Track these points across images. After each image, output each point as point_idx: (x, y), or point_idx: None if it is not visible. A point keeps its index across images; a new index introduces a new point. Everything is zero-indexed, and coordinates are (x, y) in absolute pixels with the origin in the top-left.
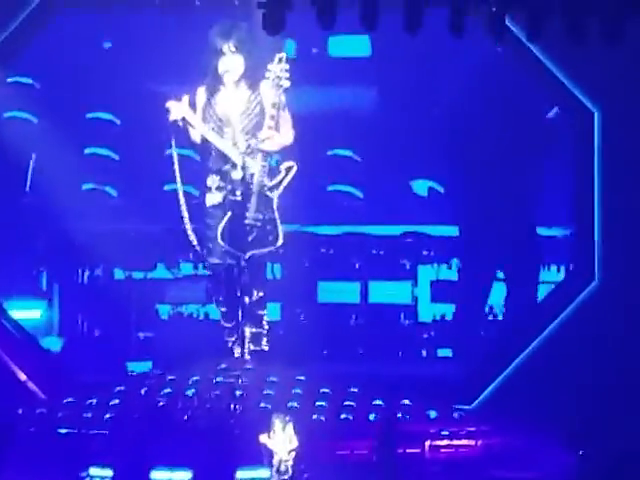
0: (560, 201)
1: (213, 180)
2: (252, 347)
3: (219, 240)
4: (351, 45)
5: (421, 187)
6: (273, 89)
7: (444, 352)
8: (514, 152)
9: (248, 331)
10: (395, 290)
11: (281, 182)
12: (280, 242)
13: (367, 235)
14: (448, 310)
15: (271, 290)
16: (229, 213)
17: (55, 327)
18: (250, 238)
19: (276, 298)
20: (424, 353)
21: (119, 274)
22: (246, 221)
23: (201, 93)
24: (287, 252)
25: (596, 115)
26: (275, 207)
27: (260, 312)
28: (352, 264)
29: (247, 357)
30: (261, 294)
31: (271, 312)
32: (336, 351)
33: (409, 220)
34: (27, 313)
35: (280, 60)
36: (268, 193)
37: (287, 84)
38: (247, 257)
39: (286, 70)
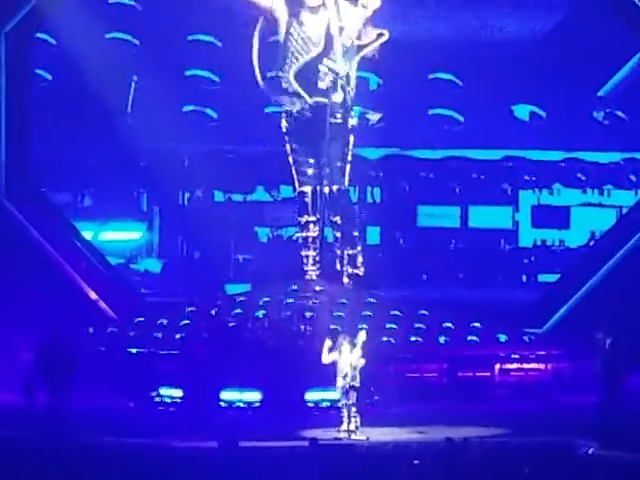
0: (634, 124)
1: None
2: (349, 270)
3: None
4: None
5: (522, 111)
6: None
7: (545, 277)
8: (592, 73)
9: (345, 254)
10: (495, 215)
11: (368, 45)
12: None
13: (467, 159)
14: (549, 235)
15: (370, 214)
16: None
17: (155, 249)
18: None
19: (375, 222)
20: (524, 278)
21: (219, 196)
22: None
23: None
24: (387, 176)
25: None
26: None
27: (355, 234)
28: (452, 188)
29: (345, 280)
30: (355, 215)
31: (370, 236)
32: (435, 276)
33: (510, 144)
34: (126, 234)
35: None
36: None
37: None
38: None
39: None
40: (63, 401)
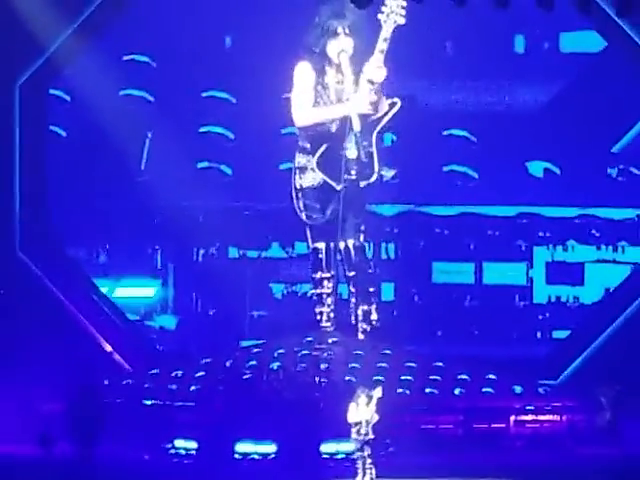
0: None
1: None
2: (364, 326)
3: (316, 169)
4: None
5: (536, 168)
6: (386, 23)
7: (559, 334)
8: (607, 129)
9: (360, 309)
10: (510, 271)
11: (383, 117)
12: (375, 177)
13: (482, 215)
14: (564, 292)
15: (385, 270)
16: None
17: (169, 305)
18: (347, 170)
19: (390, 278)
20: (539, 335)
21: (233, 252)
22: (343, 153)
23: (308, 68)
24: (401, 232)
25: None
26: (374, 142)
27: (370, 290)
28: (467, 244)
29: (360, 336)
30: (370, 271)
31: (385, 292)
32: (450, 332)
33: (524, 201)
34: (141, 291)
35: None
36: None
37: (402, 21)
38: (340, 188)
39: (402, 7)
40: (89, 454)
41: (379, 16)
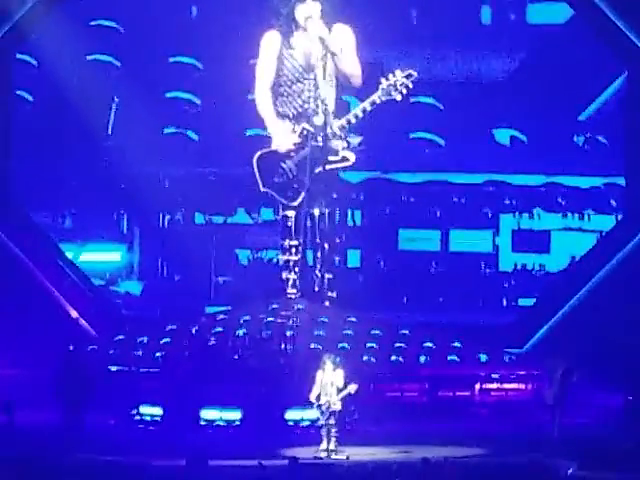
0: (615, 149)
1: (281, 127)
2: (329, 293)
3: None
4: None
5: (503, 136)
6: (383, 91)
7: (525, 301)
8: (573, 98)
9: (326, 277)
10: (476, 239)
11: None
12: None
13: (448, 183)
14: (529, 260)
15: (351, 237)
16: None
17: (135, 270)
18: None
19: (356, 245)
20: (504, 303)
21: (199, 218)
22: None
23: (274, 37)
24: (368, 199)
25: None
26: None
27: (335, 258)
28: (433, 212)
29: (327, 303)
30: (337, 240)
31: (351, 258)
32: (416, 299)
33: (491, 168)
34: (107, 256)
35: (409, 76)
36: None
37: (398, 98)
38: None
39: (407, 88)
40: (77, 421)
41: (381, 80)
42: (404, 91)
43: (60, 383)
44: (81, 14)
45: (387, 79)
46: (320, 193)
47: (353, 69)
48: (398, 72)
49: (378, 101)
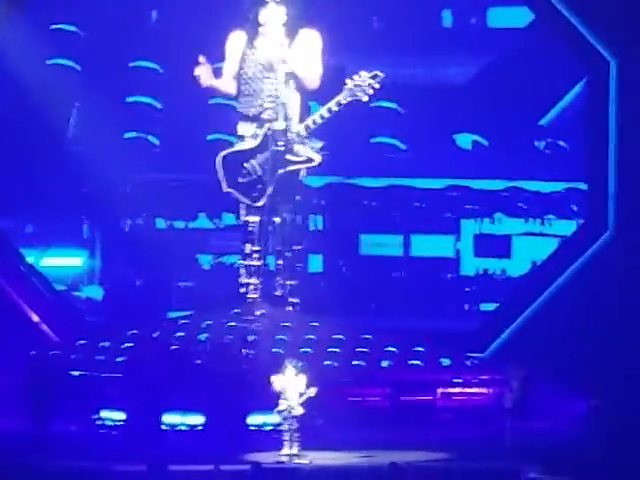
0: (576, 154)
1: (247, 128)
2: (291, 298)
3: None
4: None
5: (465, 140)
6: (348, 92)
7: (487, 306)
8: (534, 102)
9: (287, 282)
10: (438, 244)
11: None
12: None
13: (410, 188)
14: (491, 265)
15: (313, 242)
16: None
17: (97, 276)
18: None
19: (318, 250)
20: (467, 307)
21: (160, 223)
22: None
23: (239, 38)
24: (330, 204)
25: (612, 64)
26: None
27: (297, 265)
28: (395, 217)
29: (289, 309)
30: (299, 247)
31: (313, 264)
32: (378, 304)
33: (453, 173)
34: (68, 261)
35: (375, 77)
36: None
37: (364, 99)
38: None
39: (373, 89)
40: (39, 426)
41: (347, 81)
42: (370, 92)
43: (22, 388)
44: (41, 18)
45: (352, 79)
46: (283, 196)
47: (312, 73)
48: (364, 73)
49: (344, 101)
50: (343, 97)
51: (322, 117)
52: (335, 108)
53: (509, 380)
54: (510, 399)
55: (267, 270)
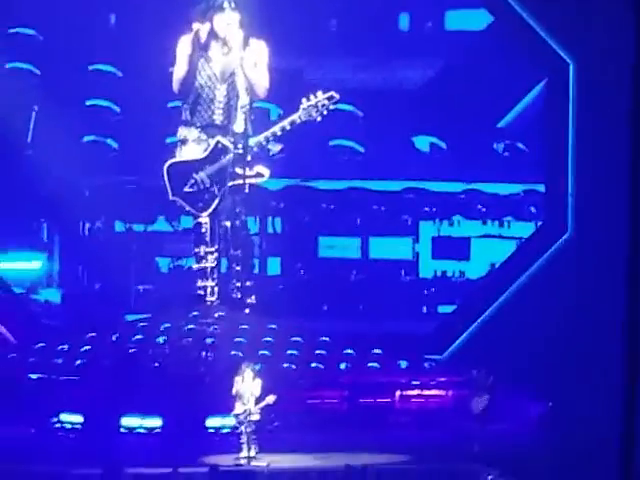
0: (534, 156)
1: (191, 132)
2: (249, 300)
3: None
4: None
5: (422, 143)
6: (304, 111)
7: (445, 309)
8: (493, 105)
9: (244, 284)
10: (396, 246)
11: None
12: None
13: (368, 190)
14: (449, 267)
15: (271, 244)
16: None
17: (55, 279)
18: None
19: (276, 252)
20: (425, 310)
21: (119, 226)
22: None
23: (189, 43)
24: (287, 206)
25: (571, 67)
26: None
27: (253, 265)
28: (353, 219)
29: (246, 311)
30: (254, 250)
31: (271, 266)
32: (336, 306)
33: (411, 176)
34: (27, 264)
35: (330, 98)
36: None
37: (318, 119)
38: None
39: (327, 109)
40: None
41: (303, 100)
42: (325, 112)
43: None
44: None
45: (308, 99)
46: (234, 204)
47: (262, 81)
48: (320, 93)
49: (298, 121)
50: (298, 116)
51: (274, 135)
52: (288, 127)
53: (476, 383)
54: (477, 402)
55: (223, 272)
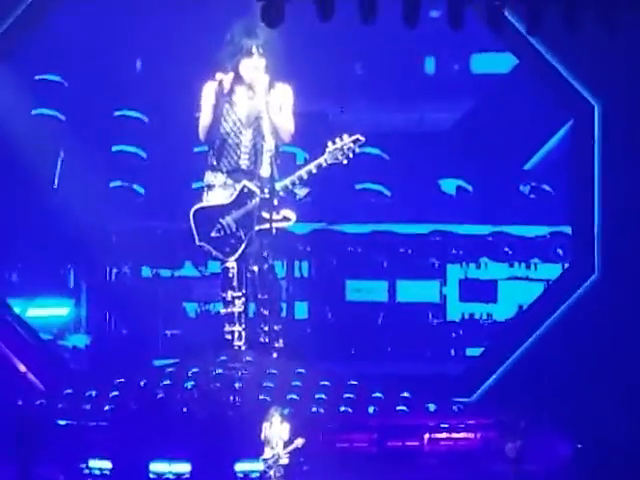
0: (560, 198)
1: (217, 177)
2: (277, 345)
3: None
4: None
5: (449, 186)
6: (330, 154)
7: (473, 351)
8: (519, 147)
9: (272, 329)
10: (423, 289)
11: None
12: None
13: (395, 233)
14: (477, 309)
15: (298, 288)
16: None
17: (82, 325)
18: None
19: (303, 296)
20: (452, 352)
21: (146, 272)
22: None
23: (214, 89)
24: (315, 250)
25: (596, 108)
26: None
27: (280, 310)
28: (380, 262)
29: (274, 355)
30: (280, 293)
31: (298, 310)
32: (364, 350)
33: (437, 219)
34: (54, 311)
35: (356, 141)
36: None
37: (344, 162)
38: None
39: (353, 152)
40: (26, 476)
41: (329, 143)
42: (350, 155)
43: (8, 438)
44: (27, 68)
45: (334, 143)
46: (261, 248)
47: (287, 125)
48: (345, 136)
49: (324, 164)
50: (324, 159)
51: (301, 178)
52: (315, 170)
53: (510, 426)
54: (513, 447)
55: (251, 317)
